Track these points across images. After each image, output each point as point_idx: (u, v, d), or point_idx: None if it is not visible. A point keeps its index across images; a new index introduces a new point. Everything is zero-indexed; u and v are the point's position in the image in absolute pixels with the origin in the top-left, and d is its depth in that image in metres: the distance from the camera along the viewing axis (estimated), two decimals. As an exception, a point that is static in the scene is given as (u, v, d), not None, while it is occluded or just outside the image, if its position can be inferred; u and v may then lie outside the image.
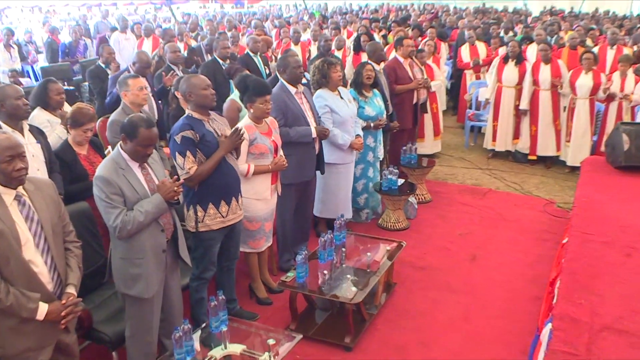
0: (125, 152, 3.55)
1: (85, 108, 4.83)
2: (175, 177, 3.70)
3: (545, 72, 8.45)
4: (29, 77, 12.36)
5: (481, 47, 10.87)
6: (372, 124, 6.38)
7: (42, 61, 13.59)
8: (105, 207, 3.45)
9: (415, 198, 7.11)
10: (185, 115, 4.19)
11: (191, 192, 4.17)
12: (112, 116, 5.30)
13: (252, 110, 4.67)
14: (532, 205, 7.36)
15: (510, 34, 12.54)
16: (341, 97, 5.87)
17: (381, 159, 6.90)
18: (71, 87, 10.02)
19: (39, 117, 5.25)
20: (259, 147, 4.67)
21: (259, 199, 4.78)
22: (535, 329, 4.28)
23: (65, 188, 4.50)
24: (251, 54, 8.57)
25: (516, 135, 8.98)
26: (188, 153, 4.02)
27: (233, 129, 4.25)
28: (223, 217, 4.24)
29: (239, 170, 4.41)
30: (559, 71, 8.37)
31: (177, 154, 4.05)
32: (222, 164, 4.15)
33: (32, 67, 12.99)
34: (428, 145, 8.94)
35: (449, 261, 5.88)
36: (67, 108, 5.31)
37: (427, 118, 8.73)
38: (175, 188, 3.57)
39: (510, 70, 8.84)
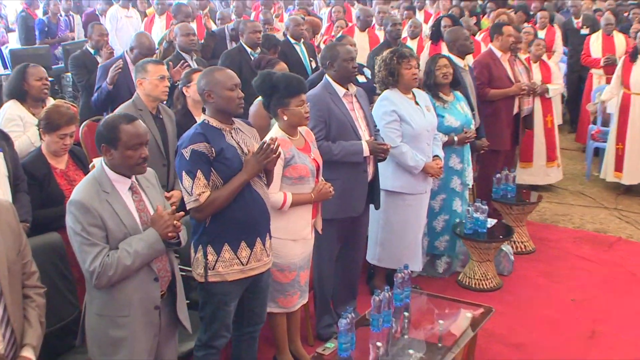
0: (110, 169, 3.58)
1: (63, 107, 4.93)
2: (174, 207, 3.70)
3: None
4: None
5: (619, 39, 10.58)
6: (455, 138, 6.35)
7: (14, 42, 13.88)
8: (80, 244, 3.46)
9: (512, 246, 7.05)
10: (200, 122, 4.22)
11: (201, 227, 4.16)
12: (119, 109, 5.35)
13: (285, 118, 4.65)
14: (679, 262, 7.21)
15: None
16: (416, 103, 5.86)
17: (470, 187, 6.86)
18: (50, 79, 10.19)
19: (11, 111, 5.40)
20: (297, 169, 4.66)
21: (295, 239, 4.77)
22: None
23: (33, 213, 4.58)
24: (292, 40, 8.64)
25: None
26: (199, 173, 4.01)
27: (261, 142, 4.21)
28: (242, 264, 4.21)
29: (268, 201, 4.39)
30: None
31: (184, 173, 4.03)
32: (244, 191, 4.13)
33: (0, 50, 13.30)
34: (539, 173, 8.85)
35: (557, 337, 5.78)
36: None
37: (538, 135, 8.64)
38: (175, 222, 3.58)
39: None
